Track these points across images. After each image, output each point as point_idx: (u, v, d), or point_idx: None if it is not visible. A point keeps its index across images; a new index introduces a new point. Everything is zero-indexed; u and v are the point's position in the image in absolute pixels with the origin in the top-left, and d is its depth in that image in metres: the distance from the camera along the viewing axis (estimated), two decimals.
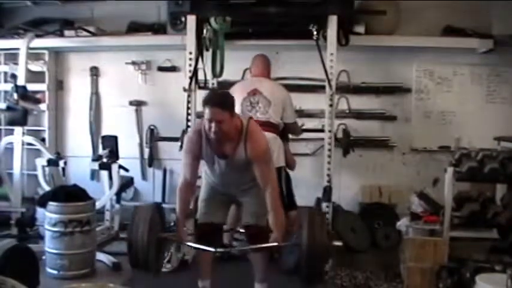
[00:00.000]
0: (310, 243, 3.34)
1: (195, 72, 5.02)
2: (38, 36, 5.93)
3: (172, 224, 5.72)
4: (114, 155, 5.47)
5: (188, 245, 3.74)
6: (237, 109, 4.60)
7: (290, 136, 5.17)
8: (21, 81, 5.43)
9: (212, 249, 3.53)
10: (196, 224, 3.81)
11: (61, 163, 5.39)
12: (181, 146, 5.05)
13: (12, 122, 5.47)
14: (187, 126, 4.99)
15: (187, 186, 3.59)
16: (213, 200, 3.71)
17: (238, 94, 4.74)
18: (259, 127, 3.66)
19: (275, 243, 3.49)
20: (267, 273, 3.71)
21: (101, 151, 5.65)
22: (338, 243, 3.63)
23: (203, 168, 3.75)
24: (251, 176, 3.52)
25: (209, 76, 5.25)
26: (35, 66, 6.40)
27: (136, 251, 3.47)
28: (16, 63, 5.85)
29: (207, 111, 3.30)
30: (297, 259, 3.53)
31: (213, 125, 3.29)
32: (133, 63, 6.53)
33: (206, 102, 3.34)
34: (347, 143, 5.23)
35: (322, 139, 5.25)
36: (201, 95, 5.29)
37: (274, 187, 3.53)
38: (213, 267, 3.77)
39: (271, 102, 4.66)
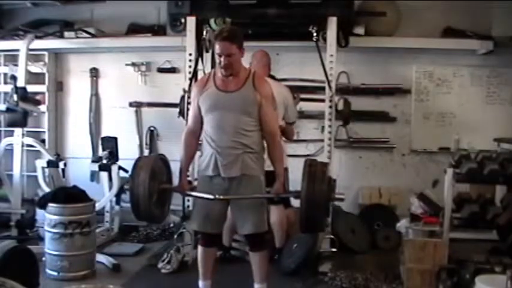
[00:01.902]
0: (309, 192, 3.31)
1: (194, 73, 5.02)
2: (37, 37, 5.94)
3: (172, 226, 5.79)
4: (114, 156, 5.49)
5: (189, 195, 3.74)
6: None
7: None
8: (21, 83, 5.43)
9: (211, 197, 3.49)
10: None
11: (61, 164, 5.40)
12: (179, 112, 5.08)
13: (12, 124, 5.47)
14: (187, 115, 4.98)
15: (191, 134, 3.67)
16: (208, 207, 3.62)
17: None
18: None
19: (275, 194, 3.60)
20: (266, 274, 3.71)
21: (100, 152, 5.67)
22: (340, 196, 3.58)
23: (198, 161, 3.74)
24: (250, 128, 3.50)
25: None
26: (35, 68, 6.41)
27: (137, 201, 3.44)
28: (16, 65, 5.85)
29: (217, 46, 3.45)
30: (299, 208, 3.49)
31: (222, 59, 3.42)
32: (133, 64, 6.53)
33: (216, 37, 3.50)
34: (348, 114, 5.18)
35: (322, 140, 5.25)
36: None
37: (276, 132, 3.62)
38: (214, 268, 3.77)
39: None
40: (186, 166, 3.72)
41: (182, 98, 5.07)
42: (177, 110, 5.23)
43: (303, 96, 5.75)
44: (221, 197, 3.51)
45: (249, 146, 3.52)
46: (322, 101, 5.14)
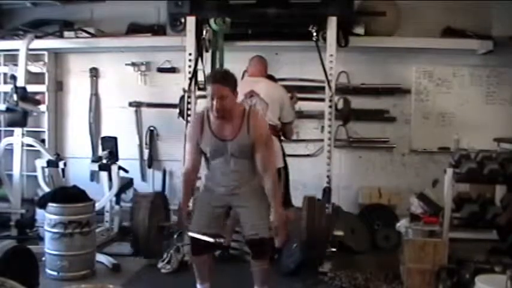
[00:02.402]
0: (309, 232, 3.33)
1: (194, 73, 5.02)
2: (37, 37, 5.93)
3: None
4: (113, 156, 5.47)
5: (189, 234, 3.72)
6: None
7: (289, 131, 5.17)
8: (20, 83, 5.43)
9: (211, 240, 3.50)
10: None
11: (61, 164, 5.39)
12: (179, 113, 5.10)
13: (12, 123, 5.47)
14: (187, 128, 4.99)
15: (190, 173, 3.63)
16: (207, 215, 3.61)
17: None
18: (261, 113, 3.72)
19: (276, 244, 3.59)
20: (267, 278, 3.69)
21: (100, 152, 5.65)
22: (339, 232, 3.62)
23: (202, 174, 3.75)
24: (252, 166, 3.52)
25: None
26: (35, 68, 6.41)
27: (137, 239, 3.47)
28: (16, 65, 5.85)
29: (209, 88, 3.38)
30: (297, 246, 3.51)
31: (215, 102, 3.35)
32: (133, 64, 6.53)
33: (208, 79, 3.46)
34: (347, 113, 5.19)
35: (322, 140, 5.26)
36: (200, 97, 5.39)
37: (273, 173, 3.57)
38: (211, 270, 3.75)
39: (269, 104, 4.66)
40: (186, 203, 3.67)
41: (182, 98, 5.07)
42: (177, 110, 5.25)
43: (303, 96, 5.76)
44: (222, 240, 3.56)
45: (252, 179, 3.57)
46: (322, 100, 5.14)
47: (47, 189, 5.26)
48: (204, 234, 3.61)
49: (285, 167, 4.81)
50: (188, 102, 5.05)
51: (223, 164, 3.54)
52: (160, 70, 6.53)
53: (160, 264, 4.65)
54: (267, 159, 3.53)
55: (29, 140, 5.56)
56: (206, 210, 3.61)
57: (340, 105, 5.07)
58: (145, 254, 3.56)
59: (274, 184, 3.54)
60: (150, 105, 6.58)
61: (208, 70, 5.09)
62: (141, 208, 3.50)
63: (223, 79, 3.40)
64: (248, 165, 3.54)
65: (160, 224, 3.61)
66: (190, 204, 3.73)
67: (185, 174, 3.64)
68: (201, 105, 5.42)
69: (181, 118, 5.15)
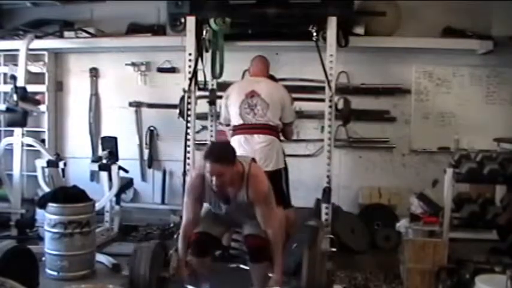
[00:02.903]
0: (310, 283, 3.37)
1: (194, 73, 5.02)
2: (37, 37, 5.93)
3: (172, 226, 5.79)
4: (113, 156, 5.48)
5: (189, 287, 3.73)
6: (235, 111, 4.64)
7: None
8: (20, 83, 5.43)
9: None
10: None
11: (61, 164, 5.39)
12: (179, 113, 5.09)
13: (12, 123, 5.47)
14: (187, 128, 4.99)
15: (190, 226, 3.61)
16: (214, 218, 3.71)
17: (236, 96, 4.75)
18: (260, 169, 3.68)
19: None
20: (265, 280, 3.69)
21: (100, 152, 5.66)
22: (332, 249, 3.65)
23: None
24: (251, 214, 3.57)
25: (209, 77, 5.24)
26: (35, 68, 6.41)
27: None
28: (16, 65, 5.85)
29: (208, 165, 3.32)
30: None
31: (214, 178, 3.32)
32: (133, 64, 6.53)
33: (206, 156, 3.35)
34: (348, 113, 5.19)
35: (322, 140, 5.25)
36: (200, 97, 5.39)
37: (276, 229, 3.54)
38: (211, 271, 3.75)
39: (269, 104, 4.65)
40: (184, 257, 3.64)
41: (182, 98, 5.07)
42: (177, 110, 5.25)
43: (303, 96, 5.77)
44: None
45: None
46: (322, 101, 5.14)
47: (47, 189, 5.26)
48: (207, 233, 3.66)
49: (285, 168, 4.81)
50: (188, 103, 5.05)
51: (227, 215, 3.63)
52: (160, 70, 6.53)
53: None
54: (268, 217, 3.53)
55: (29, 140, 5.57)
56: (212, 216, 3.69)
57: (341, 105, 5.07)
58: None
59: (277, 243, 3.53)
60: (151, 105, 6.58)
61: (208, 70, 5.11)
62: (141, 260, 3.53)
63: (221, 159, 3.33)
64: (248, 215, 3.58)
65: (161, 275, 3.63)
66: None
67: (184, 228, 3.62)
68: (201, 105, 5.45)
69: (181, 118, 5.14)
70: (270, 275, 3.55)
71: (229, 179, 3.36)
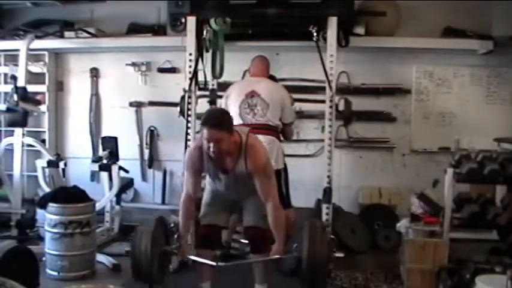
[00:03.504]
0: (310, 255, 3.36)
1: (195, 73, 5.02)
2: (38, 37, 5.93)
3: (172, 226, 5.79)
4: (114, 156, 5.49)
5: (190, 259, 3.72)
6: (235, 112, 4.64)
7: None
8: (21, 83, 5.43)
9: (213, 264, 3.56)
10: (198, 225, 3.82)
11: (61, 164, 5.40)
12: (180, 112, 5.09)
13: (12, 123, 5.47)
14: (187, 128, 4.99)
15: (189, 201, 3.60)
16: (216, 204, 3.73)
17: (236, 96, 4.76)
18: (258, 140, 3.67)
19: (276, 256, 3.54)
20: (266, 274, 3.71)
21: (101, 152, 5.67)
22: (339, 254, 3.64)
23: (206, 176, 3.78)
24: (251, 187, 3.55)
25: (209, 77, 5.25)
26: (35, 68, 6.41)
27: (139, 265, 3.48)
28: (16, 65, 5.85)
29: (204, 131, 3.33)
30: (298, 269, 3.54)
31: (211, 145, 3.32)
32: (134, 64, 6.53)
33: (203, 123, 3.36)
34: (349, 114, 5.19)
35: (323, 140, 5.25)
36: (201, 97, 5.39)
37: (275, 201, 3.54)
38: (213, 269, 3.77)
39: (269, 105, 4.66)
40: (185, 232, 3.67)
41: (182, 97, 5.07)
42: (177, 110, 5.25)
43: (303, 96, 5.78)
44: (222, 264, 3.61)
45: (254, 195, 3.58)
46: (322, 102, 5.14)
47: (47, 190, 5.27)
48: (213, 225, 3.69)
49: (285, 168, 4.81)
50: (189, 103, 5.05)
51: (225, 188, 3.63)
52: (161, 70, 6.53)
53: None
54: (267, 188, 3.52)
55: (30, 140, 5.57)
56: (213, 206, 3.70)
57: (342, 106, 5.07)
58: (148, 281, 3.57)
59: (277, 215, 3.52)
60: (152, 103, 6.57)
61: (208, 70, 5.11)
62: (142, 237, 3.53)
63: (219, 124, 3.34)
64: (248, 187, 3.56)
65: (162, 250, 3.62)
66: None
67: (184, 202, 3.60)
68: (202, 105, 5.45)
69: (181, 118, 5.14)
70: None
71: (226, 146, 3.36)
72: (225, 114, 3.50)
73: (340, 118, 5.19)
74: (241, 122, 4.64)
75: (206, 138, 3.33)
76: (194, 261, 3.66)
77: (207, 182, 3.83)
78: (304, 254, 3.38)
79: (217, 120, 3.38)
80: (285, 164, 4.82)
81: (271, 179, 3.60)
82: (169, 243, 3.70)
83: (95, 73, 6.70)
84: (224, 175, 3.55)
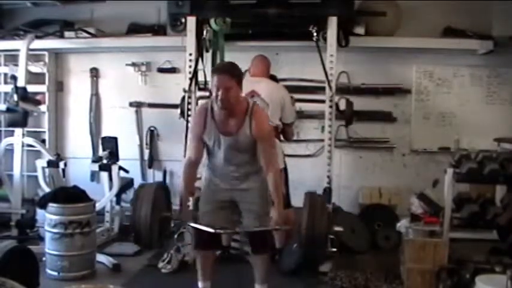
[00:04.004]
0: (310, 229, 3.34)
1: (195, 73, 5.02)
2: (38, 37, 5.93)
3: (173, 226, 5.79)
4: (114, 156, 5.48)
5: (190, 225, 3.72)
6: None
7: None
8: (21, 83, 5.43)
9: (212, 230, 3.50)
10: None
11: (61, 164, 5.39)
12: (181, 113, 5.09)
13: (12, 124, 5.47)
14: (187, 128, 4.99)
15: (191, 165, 3.61)
16: (213, 205, 3.66)
17: None
18: (264, 110, 3.74)
19: (276, 227, 3.56)
20: (267, 275, 3.71)
21: (101, 152, 5.66)
22: (339, 228, 3.63)
23: (203, 168, 3.76)
24: (253, 159, 3.55)
25: (209, 77, 5.24)
26: (35, 68, 6.41)
27: (139, 231, 3.47)
28: (16, 65, 5.85)
29: (215, 78, 3.38)
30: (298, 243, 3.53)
31: (220, 92, 3.34)
32: (134, 64, 6.53)
33: (214, 70, 3.49)
34: (350, 114, 5.19)
35: (323, 140, 5.26)
36: (201, 97, 5.38)
37: (276, 167, 3.59)
38: (213, 269, 3.77)
39: (269, 105, 4.65)
40: (187, 195, 3.67)
41: (183, 99, 5.07)
42: (178, 110, 5.25)
43: (303, 96, 5.77)
44: (221, 231, 3.56)
45: (254, 171, 3.58)
46: (322, 102, 5.14)
47: (47, 190, 5.26)
48: (208, 226, 3.63)
49: (285, 168, 4.81)
50: (188, 103, 5.05)
51: (224, 157, 3.54)
52: (161, 70, 6.53)
53: (160, 264, 4.66)
54: (270, 154, 3.54)
55: (30, 140, 5.56)
56: (211, 205, 3.64)
57: (343, 106, 5.07)
58: (148, 245, 3.56)
59: (277, 180, 3.55)
60: (151, 105, 6.57)
61: (208, 70, 5.10)
62: (143, 199, 3.50)
63: (230, 71, 3.42)
64: (249, 160, 3.55)
65: (162, 215, 3.61)
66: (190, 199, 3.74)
67: (186, 164, 3.62)
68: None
69: (182, 118, 5.14)
70: (271, 215, 3.58)
71: (234, 97, 3.39)
72: (235, 65, 3.56)
73: (342, 118, 5.19)
74: None
75: (215, 85, 3.36)
76: (195, 228, 3.63)
77: (204, 170, 3.76)
78: (304, 224, 3.36)
79: (229, 67, 3.50)
80: (285, 164, 4.82)
81: (274, 148, 3.68)
82: (170, 208, 3.69)
83: (95, 73, 6.70)
84: (226, 138, 3.49)
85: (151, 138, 6.62)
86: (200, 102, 5.34)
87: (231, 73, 3.39)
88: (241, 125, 3.46)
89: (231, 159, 3.55)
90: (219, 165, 3.60)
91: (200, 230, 3.65)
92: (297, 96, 5.41)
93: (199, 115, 3.58)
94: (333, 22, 4.91)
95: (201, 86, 5.26)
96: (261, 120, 3.51)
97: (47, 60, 6.56)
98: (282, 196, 3.65)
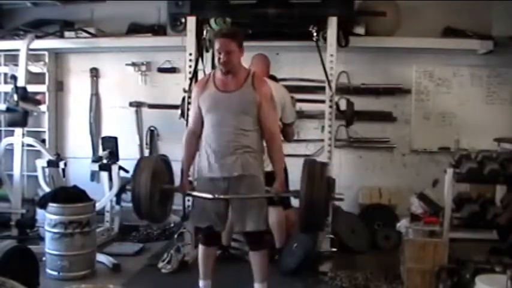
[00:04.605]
0: (308, 193, 3.32)
1: (195, 73, 5.02)
2: (38, 37, 5.94)
3: (173, 226, 5.79)
4: (114, 156, 5.49)
5: (190, 194, 3.74)
6: None
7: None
8: (21, 83, 5.43)
9: (210, 196, 3.51)
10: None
11: (61, 164, 5.40)
12: (181, 114, 5.09)
13: (12, 123, 5.48)
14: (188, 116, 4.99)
15: (192, 136, 3.68)
16: (208, 207, 3.62)
17: None
18: (265, 79, 3.83)
19: (274, 194, 3.62)
20: (266, 273, 3.71)
21: (101, 152, 5.67)
22: (339, 196, 3.61)
23: (198, 158, 3.75)
24: (251, 129, 3.53)
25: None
26: (35, 68, 6.41)
27: (139, 201, 3.46)
28: (16, 65, 5.85)
29: (217, 42, 3.49)
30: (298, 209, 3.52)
31: (222, 55, 3.44)
32: (134, 64, 6.54)
33: (216, 34, 3.61)
34: (351, 115, 5.19)
35: (322, 140, 5.25)
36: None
37: (276, 133, 3.66)
38: (214, 268, 3.77)
39: None
40: (187, 166, 3.71)
41: (183, 99, 5.07)
42: (178, 110, 5.25)
43: (303, 96, 5.77)
44: (221, 196, 3.53)
45: (249, 146, 3.54)
46: (322, 101, 5.14)
47: (47, 189, 5.27)
48: (204, 225, 3.64)
49: (284, 168, 4.80)
50: (188, 103, 5.05)
51: (222, 117, 3.53)
52: (161, 70, 6.53)
53: (160, 264, 4.66)
54: (270, 117, 3.60)
55: (30, 140, 5.57)
56: (205, 203, 3.61)
57: (343, 106, 5.06)
58: (148, 215, 3.55)
59: (278, 146, 3.63)
60: (151, 106, 6.57)
61: (208, 70, 5.10)
62: (143, 170, 3.49)
63: (231, 34, 3.53)
64: (244, 124, 3.52)
65: (163, 187, 3.61)
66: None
67: (187, 134, 3.70)
68: None
69: (182, 119, 5.14)
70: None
71: (236, 60, 3.50)
72: (237, 29, 3.72)
73: (342, 118, 5.19)
74: None
75: (218, 49, 3.47)
76: (194, 196, 3.66)
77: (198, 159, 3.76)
78: (302, 191, 3.35)
79: (231, 31, 3.66)
80: (284, 164, 4.82)
81: (275, 113, 3.79)
82: (172, 180, 3.71)
83: (95, 73, 6.70)
84: (226, 94, 3.51)
85: (151, 138, 6.62)
86: None
87: (232, 37, 3.50)
88: (242, 83, 3.54)
89: (227, 122, 3.51)
90: (211, 132, 3.56)
91: (200, 228, 3.66)
92: (297, 96, 5.41)
93: (200, 82, 3.74)
94: (333, 22, 4.91)
95: None
96: (263, 83, 3.63)
97: (47, 60, 6.56)
98: (283, 160, 3.75)
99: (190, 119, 3.73)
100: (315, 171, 3.40)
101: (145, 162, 3.60)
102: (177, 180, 3.75)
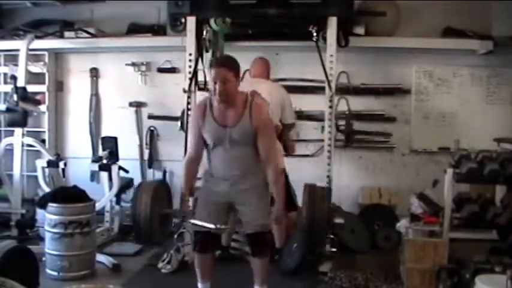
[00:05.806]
0: (309, 218, 3.35)
1: (195, 73, 5.02)
2: (37, 37, 5.93)
3: (173, 226, 5.78)
4: (114, 156, 5.48)
5: (190, 222, 3.70)
6: None
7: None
8: (21, 83, 5.43)
9: (212, 226, 3.50)
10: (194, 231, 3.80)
11: (61, 164, 5.39)
12: (181, 125, 5.09)
13: (12, 124, 5.47)
14: (188, 128, 4.99)
15: (192, 161, 3.63)
16: (210, 208, 3.62)
17: None
18: (263, 101, 3.78)
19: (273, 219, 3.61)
20: (266, 277, 3.70)
21: (100, 152, 5.66)
22: (339, 220, 3.64)
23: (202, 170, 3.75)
24: (253, 156, 3.52)
25: (209, 77, 5.24)
26: (35, 68, 6.41)
27: (139, 225, 3.46)
28: (16, 65, 5.85)
29: (212, 71, 3.40)
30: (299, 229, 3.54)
31: (217, 86, 3.36)
32: (133, 64, 6.54)
33: (212, 64, 3.50)
34: (350, 133, 5.21)
35: (322, 140, 5.26)
36: (200, 95, 5.39)
37: (275, 162, 3.60)
38: (212, 269, 3.77)
39: (269, 105, 4.65)
40: (187, 192, 3.66)
41: (183, 113, 5.06)
42: (177, 111, 5.25)
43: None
44: (222, 226, 3.55)
45: (254, 171, 3.56)
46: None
47: (47, 190, 5.27)
48: (207, 233, 3.61)
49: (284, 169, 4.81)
50: (188, 103, 5.05)
51: (224, 152, 3.53)
52: (161, 70, 6.53)
53: (160, 264, 4.66)
54: (269, 148, 3.55)
55: (29, 140, 5.57)
56: (208, 207, 3.60)
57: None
58: (148, 239, 3.55)
59: (277, 174, 3.57)
60: (151, 117, 6.53)
61: (208, 70, 5.10)
62: (143, 195, 3.49)
63: (227, 63, 3.44)
64: (249, 153, 3.53)
65: (163, 211, 3.60)
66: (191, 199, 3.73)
67: (187, 161, 3.64)
68: None
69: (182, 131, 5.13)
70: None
71: (232, 89, 3.40)
72: (233, 58, 3.56)
73: (342, 134, 5.21)
74: None
75: (213, 78, 3.38)
76: (195, 224, 3.60)
77: (202, 173, 3.77)
78: (304, 212, 3.37)
79: (226, 60, 3.54)
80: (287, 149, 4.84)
81: (274, 141, 3.72)
82: (170, 205, 3.68)
83: (94, 73, 6.70)
84: (226, 130, 3.47)
85: (151, 138, 6.62)
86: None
87: (228, 66, 3.41)
88: (240, 116, 3.46)
89: (230, 154, 3.52)
90: (218, 162, 3.58)
91: (199, 232, 3.65)
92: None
93: (198, 110, 3.59)
94: (332, 22, 4.91)
95: (201, 86, 5.26)
96: (261, 110, 3.53)
97: (47, 60, 6.56)
98: (283, 193, 3.67)
99: (190, 144, 3.65)
100: (316, 197, 3.44)
101: (145, 187, 3.60)
102: (177, 202, 3.72)
